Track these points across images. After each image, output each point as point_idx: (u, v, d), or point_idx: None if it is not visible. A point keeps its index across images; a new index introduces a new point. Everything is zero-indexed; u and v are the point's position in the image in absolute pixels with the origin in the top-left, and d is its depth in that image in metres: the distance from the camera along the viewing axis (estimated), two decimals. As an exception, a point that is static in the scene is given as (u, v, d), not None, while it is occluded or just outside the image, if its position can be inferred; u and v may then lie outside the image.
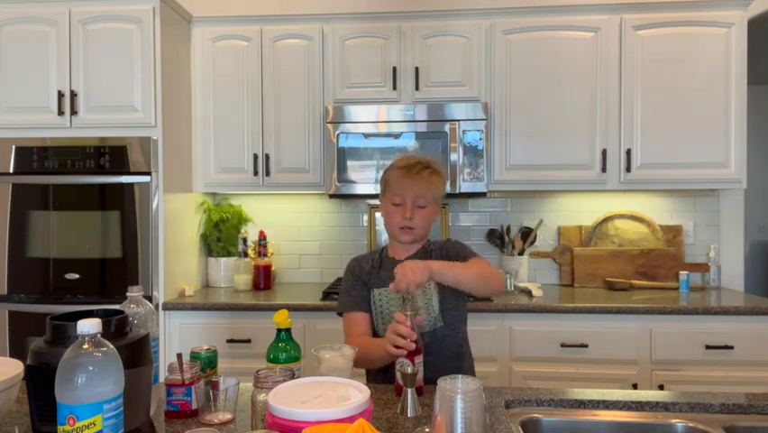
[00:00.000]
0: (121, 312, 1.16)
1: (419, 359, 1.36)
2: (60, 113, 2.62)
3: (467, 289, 1.54)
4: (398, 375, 1.34)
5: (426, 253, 1.66)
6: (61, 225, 2.60)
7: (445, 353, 1.58)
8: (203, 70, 2.93)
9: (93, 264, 2.59)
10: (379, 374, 1.60)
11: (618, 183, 2.79)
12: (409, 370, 1.27)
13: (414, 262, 1.44)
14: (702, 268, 3.00)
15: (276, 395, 1.00)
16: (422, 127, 2.74)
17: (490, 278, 1.54)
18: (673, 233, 3.06)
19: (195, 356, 1.35)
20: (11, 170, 2.63)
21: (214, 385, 1.21)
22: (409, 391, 1.25)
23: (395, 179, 1.62)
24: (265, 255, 3.00)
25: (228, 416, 1.23)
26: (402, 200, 1.60)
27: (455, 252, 1.66)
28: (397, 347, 1.36)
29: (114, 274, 2.59)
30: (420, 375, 1.36)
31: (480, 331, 2.50)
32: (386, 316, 1.61)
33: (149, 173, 2.59)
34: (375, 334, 1.64)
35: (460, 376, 0.94)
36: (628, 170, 2.76)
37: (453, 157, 2.72)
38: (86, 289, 2.59)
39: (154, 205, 2.59)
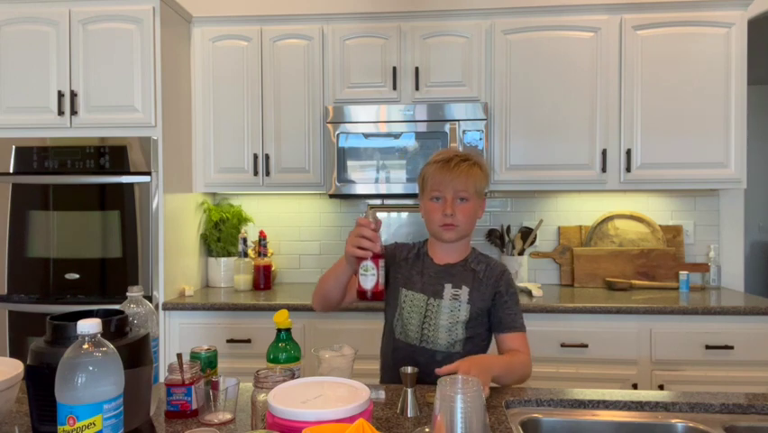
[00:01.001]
0: (121, 312, 1.16)
1: (382, 262, 1.36)
2: (60, 113, 2.62)
3: (500, 384, 1.48)
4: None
5: (468, 269, 1.57)
6: (61, 225, 2.60)
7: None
8: (203, 70, 2.93)
9: (93, 264, 2.59)
10: (387, 373, 1.58)
11: (618, 183, 2.79)
12: (409, 370, 1.26)
13: (474, 369, 1.28)
14: (702, 268, 3.00)
15: (276, 395, 1.00)
16: (422, 127, 2.74)
17: (523, 379, 1.52)
18: (673, 233, 3.06)
19: (195, 356, 1.35)
20: (11, 170, 2.63)
21: (214, 385, 1.21)
22: (409, 391, 1.25)
23: (432, 175, 1.53)
24: (265, 255, 3.00)
25: (228, 416, 1.23)
26: (441, 195, 1.51)
27: (505, 291, 1.54)
28: (362, 249, 1.37)
29: (114, 274, 2.59)
30: (382, 279, 1.36)
31: (480, 331, 2.50)
32: (406, 319, 1.56)
33: (149, 173, 2.59)
34: (391, 329, 1.60)
35: (460, 376, 0.94)
36: (628, 170, 2.76)
37: (453, 157, 2.72)
38: (86, 289, 2.59)
39: (154, 205, 2.59)
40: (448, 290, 1.54)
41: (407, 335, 1.56)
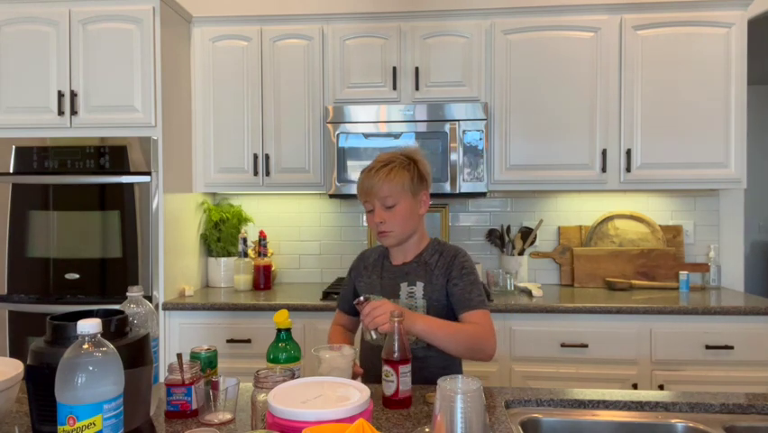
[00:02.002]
0: (121, 312, 1.16)
1: (405, 368, 1.31)
2: (60, 113, 2.62)
3: (450, 354, 1.48)
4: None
5: (422, 264, 1.58)
6: (61, 225, 2.60)
7: (425, 374, 1.49)
8: (203, 70, 2.93)
9: (93, 264, 2.59)
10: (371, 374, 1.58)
11: (618, 183, 2.79)
12: (362, 299, 1.37)
13: (394, 308, 1.34)
14: (702, 268, 3.00)
15: (276, 395, 0.99)
16: (422, 127, 2.74)
17: (480, 350, 1.45)
18: (673, 233, 3.06)
19: (195, 356, 1.35)
20: (11, 170, 2.63)
21: (214, 385, 1.21)
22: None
23: (359, 187, 1.57)
24: (265, 255, 3.00)
25: (228, 416, 1.23)
26: (372, 206, 1.54)
27: (458, 284, 1.53)
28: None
29: (114, 274, 2.59)
30: (408, 387, 1.31)
31: (480, 331, 2.50)
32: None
33: (149, 173, 2.59)
34: (362, 334, 1.64)
35: (460, 376, 0.94)
36: (628, 170, 2.76)
37: (453, 157, 2.72)
38: (86, 289, 2.59)
39: (154, 205, 2.59)
40: (404, 288, 1.57)
41: (374, 338, 1.55)
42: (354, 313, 1.68)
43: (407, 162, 1.55)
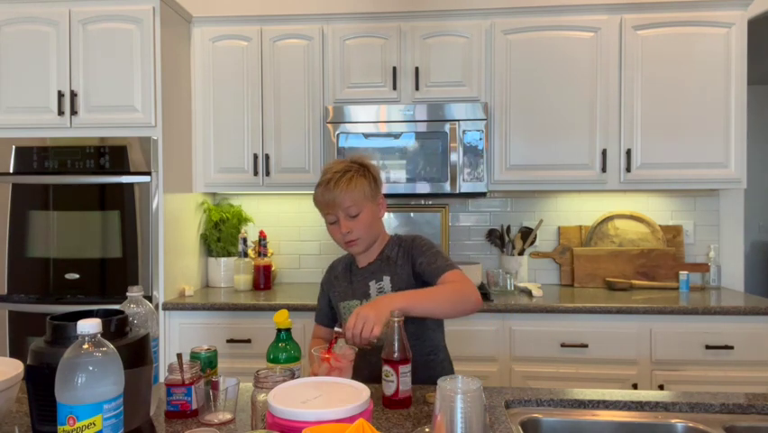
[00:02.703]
0: (121, 312, 1.16)
1: (405, 368, 1.31)
2: (60, 113, 2.62)
3: (439, 317, 1.49)
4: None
5: (384, 260, 1.61)
6: (61, 225, 2.60)
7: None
8: (203, 70, 2.94)
9: (93, 264, 2.59)
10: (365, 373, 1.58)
11: (618, 183, 2.79)
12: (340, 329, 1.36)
13: (367, 309, 1.31)
14: (702, 268, 3.00)
15: (276, 395, 1.00)
16: (422, 127, 2.74)
17: (464, 300, 1.44)
18: (673, 233, 3.06)
19: (195, 356, 1.35)
20: (11, 170, 2.63)
21: (214, 385, 1.21)
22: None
23: (319, 200, 1.58)
24: (265, 255, 3.00)
25: (228, 416, 1.23)
26: (335, 217, 1.55)
27: (423, 260, 1.54)
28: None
29: (114, 274, 2.59)
30: (408, 387, 1.31)
31: (480, 331, 2.50)
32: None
33: (149, 173, 2.59)
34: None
35: (460, 376, 0.94)
36: (628, 170, 2.76)
37: (453, 157, 2.72)
38: (86, 289, 2.59)
39: (154, 205, 2.59)
40: (372, 286, 1.59)
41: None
42: (331, 325, 1.70)
43: (362, 169, 1.57)
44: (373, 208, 1.57)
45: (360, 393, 1.00)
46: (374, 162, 1.63)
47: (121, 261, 2.58)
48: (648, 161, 2.76)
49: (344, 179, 1.53)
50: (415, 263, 1.56)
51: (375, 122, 2.76)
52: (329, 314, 1.72)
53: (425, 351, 1.59)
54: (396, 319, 1.33)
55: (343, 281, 1.67)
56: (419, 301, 1.40)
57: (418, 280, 1.56)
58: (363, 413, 0.95)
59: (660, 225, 3.07)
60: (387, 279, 1.58)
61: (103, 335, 0.93)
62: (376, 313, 1.31)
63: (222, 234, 3.06)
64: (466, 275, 1.51)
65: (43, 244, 2.61)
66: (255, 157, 2.90)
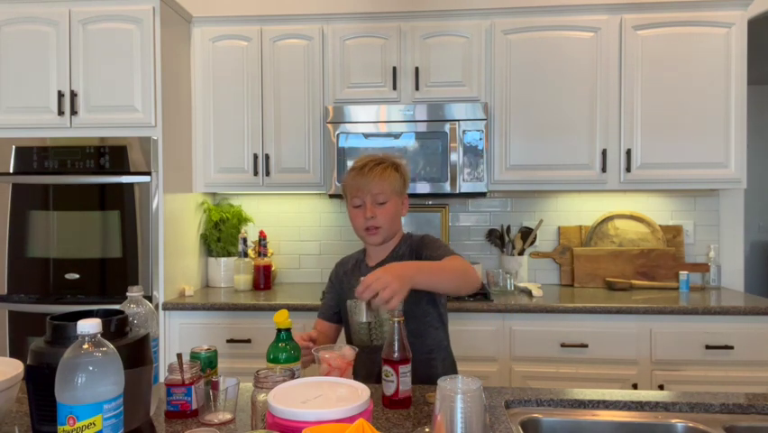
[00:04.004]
0: (121, 312, 1.16)
1: (405, 368, 1.30)
2: (60, 113, 2.62)
3: (443, 291, 1.49)
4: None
5: (396, 257, 1.61)
6: (61, 225, 2.60)
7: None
8: (203, 70, 2.93)
9: (93, 264, 2.59)
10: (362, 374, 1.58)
11: (618, 183, 2.79)
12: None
13: (390, 276, 1.26)
14: (702, 268, 3.00)
15: (276, 395, 0.99)
16: (422, 127, 2.74)
17: (465, 277, 1.45)
18: (673, 233, 3.06)
19: (195, 356, 1.35)
20: (11, 170, 2.63)
21: (214, 385, 1.21)
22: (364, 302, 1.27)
23: (350, 183, 1.60)
24: (265, 255, 3.00)
25: (228, 416, 1.23)
26: (361, 201, 1.58)
27: (427, 253, 1.57)
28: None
29: (114, 274, 2.59)
30: (408, 387, 1.30)
31: (480, 331, 2.50)
32: (355, 326, 1.63)
33: (149, 173, 2.58)
34: (349, 341, 1.67)
35: (460, 376, 0.94)
36: (628, 170, 2.76)
37: (453, 157, 2.72)
38: (86, 289, 2.59)
39: (154, 205, 2.59)
40: None
41: (361, 340, 1.61)
42: (335, 321, 1.72)
43: (396, 165, 1.62)
44: (398, 204, 1.61)
45: (360, 393, 1.00)
46: (406, 164, 1.69)
47: (121, 261, 2.58)
48: (648, 161, 2.76)
49: (379, 168, 1.58)
50: (420, 257, 1.58)
51: (375, 122, 2.76)
52: (333, 309, 1.72)
53: (426, 349, 1.58)
54: (396, 319, 1.32)
55: (352, 278, 1.66)
56: (427, 271, 1.39)
57: None
58: (363, 413, 0.95)
59: (660, 225, 3.07)
60: None
61: (103, 335, 0.93)
62: (400, 283, 1.26)
63: (222, 234, 3.06)
64: (466, 261, 1.52)
65: (43, 244, 2.61)
66: (255, 157, 2.90)
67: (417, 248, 1.61)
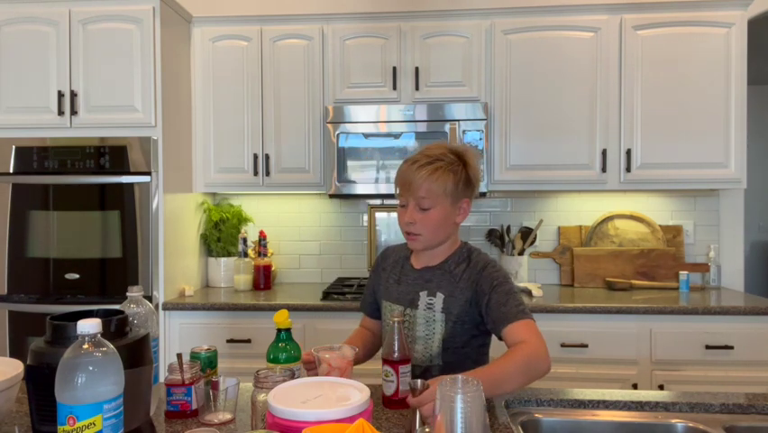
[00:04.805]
0: (121, 312, 1.16)
1: (405, 368, 1.29)
2: (60, 113, 2.62)
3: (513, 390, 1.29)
4: (383, 387, 1.30)
5: (447, 272, 1.43)
6: (61, 225, 2.60)
7: None
8: (203, 70, 2.93)
9: (93, 264, 2.59)
10: None
11: (618, 183, 2.79)
12: (419, 385, 1.11)
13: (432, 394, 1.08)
14: (702, 268, 3.00)
15: (276, 395, 1.00)
16: (422, 127, 2.74)
17: (535, 373, 1.23)
18: (673, 233, 3.06)
19: (195, 356, 1.35)
20: (11, 170, 2.63)
21: (214, 385, 1.21)
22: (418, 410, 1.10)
23: (399, 177, 1.42)
24: (265, 255, 3.00)
25: (228, 416, 1.23)
26: (405, 201, 1.41)
27: (487, 288, 1.35)
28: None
29: (114, 274, 2.58)
30: (405, 387, 1.26)
31: (480, 331, 2.50)
32: (384, 330, 1.53)
33: (149, 173, 2.58)
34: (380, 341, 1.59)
35: (460, 376, 0.94)
36: (628, 170, 2.76)
37: (453, 157, 2.72)
38: (86, 289, 2.59)
39: (154, 205, 2.59)
40: (423, 298, 1.43)
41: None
42: (376, 316, 1.61)
43: (457, 163, 1.39)
44: (449, 209, 1.40)
45: (360, 393, 1.00)
46: (478, 162, 1.44)
47: (121, 261, 2.58)
48: (648, 161, 2.76)
49: (431, 168, 1.36)
50: (480, 296, 1.37)
51: (375, 122, 2.76)
52: (373, 303, 1.60)
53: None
54: (396, 319, 1.32)
55: (392, 277, 1.53)
56: (493, 388, 1.18)
57: (474, 311, 1.39)
58: (363, 413, 0.95)
59: (660, 225, 3.07)
60: (441, 297, 1.41)
61: (103, 335, 0.93)
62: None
63: (222, 234, 3.06)
64: (537, 328, 1.30)
65: (43, 244, 2.61)
66: (255, 157, 2.90)
67: (478, 278, 1.39)
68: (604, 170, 2.77)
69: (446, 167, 1.37)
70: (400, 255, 1.56)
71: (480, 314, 1.39)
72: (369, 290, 1.63)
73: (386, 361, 1.31)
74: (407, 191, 1.39)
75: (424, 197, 1.37)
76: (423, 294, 1.44)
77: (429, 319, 1.42)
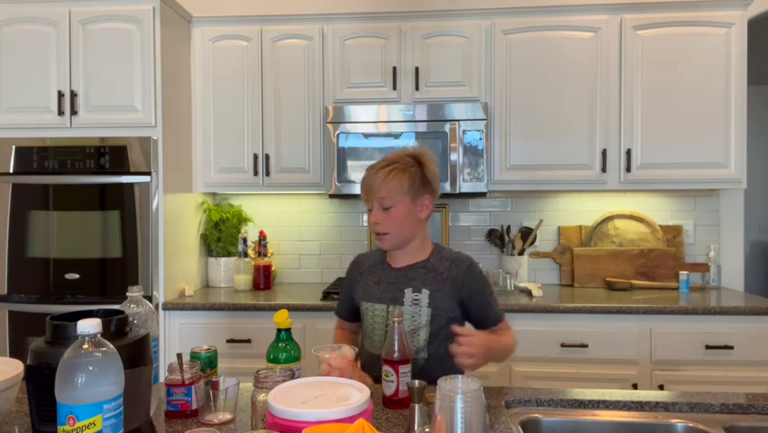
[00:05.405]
0: (121, 312, 1.16)
1: (405, 368, 1.30)
2: (60, 113, 2.62)
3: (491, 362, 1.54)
4: (384, 387, 1.31)
5: (430, 270, 1.54)
6: (61, 225, 2.60)
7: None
8: (203, 70, 2.93)
9: (93, 264, 2.59)
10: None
11: (618, 183, 2.79)
12: (416, 384, 1.12)
13: (481, 354, 1.37)
14: (702, 268, 3.00)
15: (276, 395, 0.99)
16: (422, 127, 2.74)
17: (510, 354, 1.58)
18: (673, 233, 3.06)
19: (195, 356, 1.35)
20: (11, 170, 2.63)
21: (214, 385, 1.21)
22: (417, 406, 1.11)
23: (362, 184, 1.56)
24: (265, 255, 3.00)
25: (228, 416, 1.23)
26: (370, 205, 1.53)
27: (477, 291, 1.53)
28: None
29: (114, 274, 2.58)
30: (404, 387, 1.27)
31: (480, 331, 2.50)
32: (370, 331, 1.58)
33: (149, 173, 2.58)
34: (362, 341, 1.64)
35: (460, 376, 0.94)
36: (628, 170, 2.76)
37: (453, 157, 2.72)
38: (86, 289, 2.59)
39: (154, 205, 2.59)
40: (408, 294, 1.52)
41: (373, 345, 1.56)
42: (353, 320, 1.68)
43: (411, 164, 1.52)
44: (410, 206, 1.51)
45: (360, 393, 1.00)
46: (433, 163, 1.57)
47: (121, 261, 2.58)
48: (648, 161, 2.76)
49: (386, 170, 1.50)
50: (470, 295, 1.52)
51: (375, 122, 2.76)
52: (350, 308, 1.67)
53: (446, 372, 1.42)
54: (396, 319, 1.33)
55: (371, 279, 1.60)
56: (499, 356, 1.54)
57: (458, 305, 1.53)
58: (363, 413, 0.95)
59: (660, 225, 3.07)
60: (426, 292, 1.52)
61: (103, 335, 0.93)
62: (484, 361, 1.41)
63: (222, 234, 3.06)
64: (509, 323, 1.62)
65: (43, 244, 2.61)
66: (255, 157, 2.90)
67: (465, 279, 1.52)
68: (604, 170, 2.77)
69: (401, 168, 1.51)
70: (375, 259, 1.65)
71: (463, 308, 1.55)
72: (344, 296, 1.70)
73: (386, 361, 1.31)
74: (371, 195, 1.52)
75: (384, 197, 1.50)
76: (407, 291, 1.53)
77: (415, 314, 1.52)
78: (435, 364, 1.50)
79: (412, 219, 1.52)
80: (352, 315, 1.67)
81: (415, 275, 1.55)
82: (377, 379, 1.50)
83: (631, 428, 1.30)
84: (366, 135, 2.77)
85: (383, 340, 1.52)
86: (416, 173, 1.51)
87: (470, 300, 1.53)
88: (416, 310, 1.51)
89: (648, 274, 2.98)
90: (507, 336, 1.55)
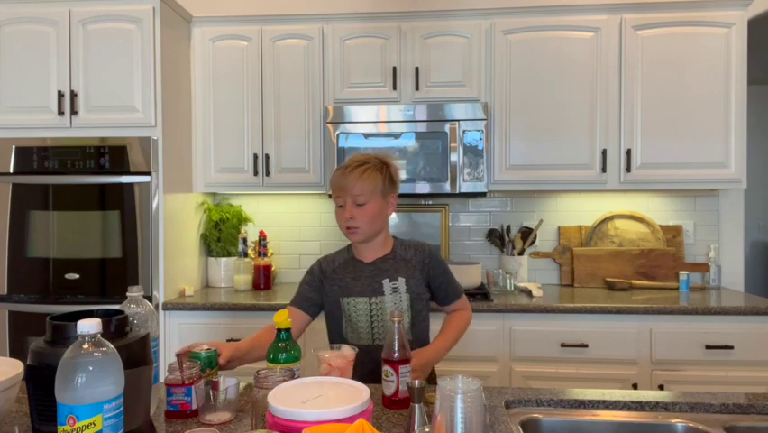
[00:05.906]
0: (121, 312, 1.16)
1: (405, 368, 1.31)
2: (60, 113, 2.62)
3: None
4: (386, 386, 1.33)
5: (399, 260, 1.67)
6: (61, 225, 2.60)
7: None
8: (203, 70, 2.94)
9: (93, 264, 2.59)
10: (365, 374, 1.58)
11: (618, 183, 2.79)
12: (417, 384, 1.11)
13: (421, 370, 1.52)
14: (702, 268, 3.00)
15: (276, 395, 1.00)
16: (422, 127, 2.74)
17: (466, 330, 1.72)
18: (673, 233, 3.06)
19: (195, 356, 1.35)
20: (11, 170, 2.63)
21: (214, 385, 1.22)
22: (416, 406, 1.11)
23: (333, 183, 1.64)
24: (265, 255, 3.00)
25: (228, 416, 1.23)
26: (343, 201, 1.61)
27: (439, 272, 1.69)
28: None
29: (114, 274, 2.59)
30: (403, 386, 1.29)
31: (480, 331, 2.50)
32: (354, 325, 1.64)
33: (149, 173, 2.59)
34: (343, 339, 1.66)
35: (460, 376, 0.94)
36: (628, 170, 2.76)
37: (453, 157, 2.72)
38: (86, 289, 2.59)
39: (154, 205, 2.59)
40: (387, 285, 1.64)
41: (360, 338, 1.63)
42: (310, 313, 1.69)
43: (381, 165, 1.63)
44: (381, 204, 1.62)
45: (360, 393, 1.00)
46: (396, 164, 1.71)
47: (121, 261, 2.58)
48: (648, 161, 2.76)
49: (360, 169, 1.60)
50: (433, 277, 1.68)
51: (375, 122, 2.76)
52: (312, 301, 1.69)
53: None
54: (396, 319, 1.33)
55: (347, 276, 1.67)
56: (454, 343, 1.67)
57: (428, 289, 1.69)
58: (363, 413, 0.95)
59: (660, 225, 3.07)
60: (402, 280, 1.64)
61: (103, 335, 0.93)
62: (425, 375, 1.56)
63: (222, 235, 3.06)
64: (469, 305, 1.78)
65: (43, 244, 2.61)
66: (255, 157, 2.90)
67: (428, 262, 1.68)
68: (604, 170, 2.77)
69: (373, 167, 1.61)
70: (343, 258, 1.72)
71: (430, 289, 1.70)
72: (307, 289, 1.70)
73: (386, 361, 1.31)
74: (344, 192, 1.60)
75: (358, 193, 1.58)
76: (385, 282, 1.64)
77: (397, 301, 1.63)
78: (418, 347, 1.60)
79: (381, 215, 1.63)
80: (312, 308, 1.70)
81: (387, 266, 1.66)
82: (366, 374, 1.53)
83: (631, 428, 1.30)
84: (366, 135, 2.77)
85: (369, 330, 1.62)
86: (385, 173, 1.64)
87: (435, 281, 1.68)
88: (396, 298, 1.63)
89: (648, 274, 2.98)
90: (458, 317, 1.71)
